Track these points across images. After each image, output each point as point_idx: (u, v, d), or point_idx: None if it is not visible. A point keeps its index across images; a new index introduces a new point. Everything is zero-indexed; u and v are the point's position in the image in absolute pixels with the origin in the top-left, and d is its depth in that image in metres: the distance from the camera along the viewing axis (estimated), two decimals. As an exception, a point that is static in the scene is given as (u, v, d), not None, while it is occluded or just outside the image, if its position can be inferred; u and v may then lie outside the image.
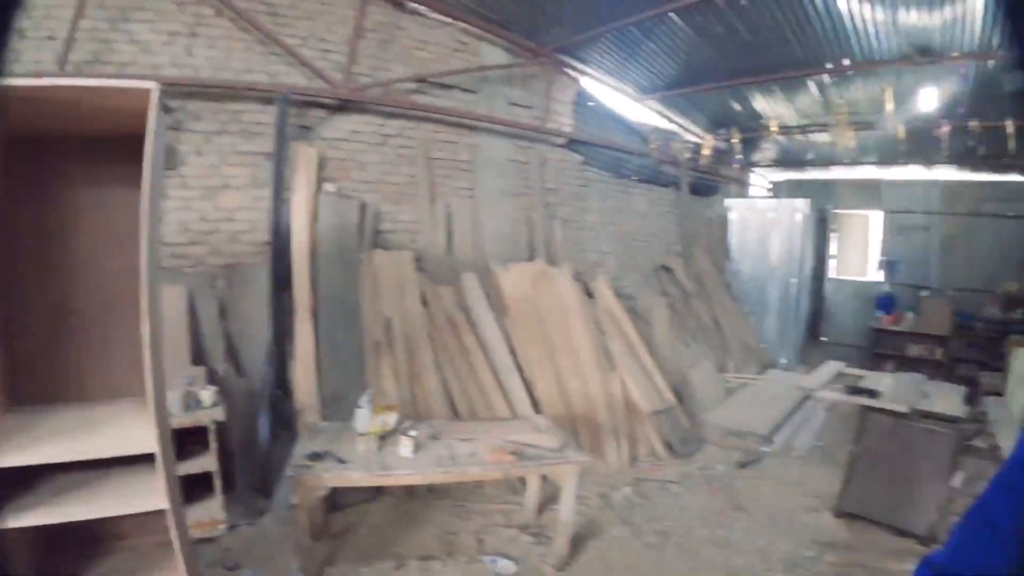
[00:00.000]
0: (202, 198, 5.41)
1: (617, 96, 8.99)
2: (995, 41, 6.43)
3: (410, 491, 5.15)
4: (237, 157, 5.55)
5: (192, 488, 4.12)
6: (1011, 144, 7.42)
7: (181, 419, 4.09)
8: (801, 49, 7.27)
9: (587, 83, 8.38)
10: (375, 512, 4.97)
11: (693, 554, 4.72)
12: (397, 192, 6.48)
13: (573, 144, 8.17)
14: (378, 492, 5.08)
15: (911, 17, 6.30)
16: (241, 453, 4.99)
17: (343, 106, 6.06)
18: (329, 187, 5.90)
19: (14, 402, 3.14)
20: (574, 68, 8.05)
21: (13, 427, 2.84)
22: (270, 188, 5.54)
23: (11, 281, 3.02)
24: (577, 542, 4.59)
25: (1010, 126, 7.23)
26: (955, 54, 6.79)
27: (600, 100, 8.63)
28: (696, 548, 4.80)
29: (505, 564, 4.32)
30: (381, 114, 6.30)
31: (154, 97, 2.43)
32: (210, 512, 4.39)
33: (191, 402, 4.29)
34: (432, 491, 5.23)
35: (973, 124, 7.53)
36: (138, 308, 3.08)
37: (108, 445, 2.64)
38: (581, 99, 8.28)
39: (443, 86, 6.73)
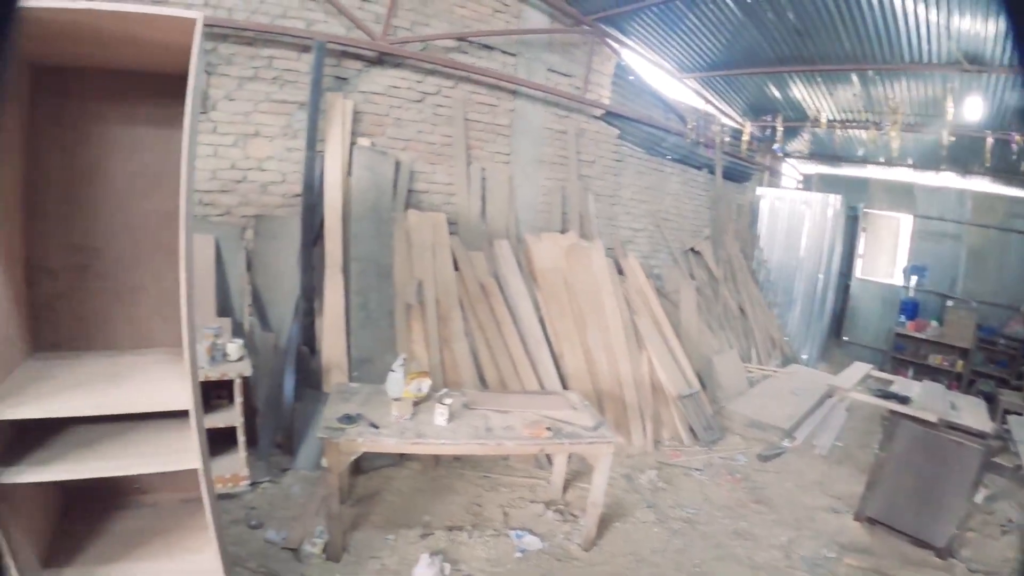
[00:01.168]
0: (233, 145, 5.26)
1: (656, 72, 8.78)
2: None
3: (435, 458, 5.08)
4: (270, 105, 5.39)
5: (215, 442, 3.99)
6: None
7: (208, 372, 3.99)
8: (850, 42, 7.04)
9: (627, 56, 8.17)
10: (400, 478, 4.91)
11: (717, 544, 4.67)
12: (432, 152, 6.34)
13: (610, 117, 8.00)
14: (402, 457, 5.02)
15: (964, 23, 6.08)
16: (264, 409, 4.91)
17: (381, 59, 5.89)
18: (364, 142, 5.74)
19: (36, 348, 3.01)
20: (615, 39, 7.85)
21: (35, 375, 2.72)
22: (302, 139, 5.39)
23: (35, 220, 2.88)
24: (603, 523, 4.53)
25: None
26: (1006, 65, 6.55)
27: (639, 74, 8.43)
28: (720, 538, 4.76)
29: (531, 540, 4.27)
30: (420, 70, 6.13)
31: (199, 27, 2.29)
32: (233, 468, 4.32)
33: (217, 354, 4.17)
34: (457, 460, 5.17)
35: (1018, 138, 7.25)
36: (168, 254, 2.93)
37: (139, 400, 2.52)
38: (620, 72, 8.09)
39: (483, 47, 6.56)
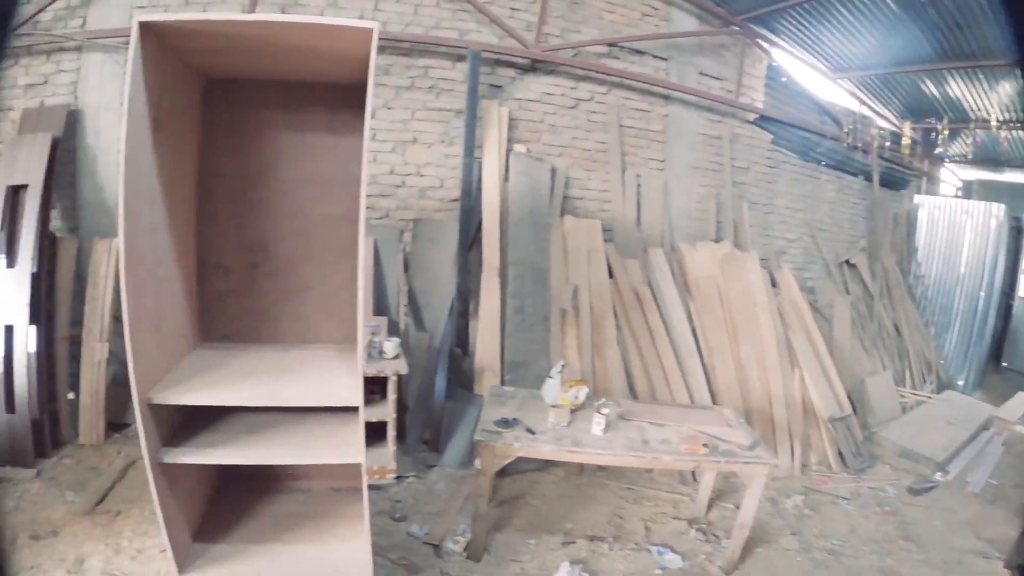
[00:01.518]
0: (391, 151, 5.48)
1: (808, 73, 8.24)
2: None
3: (580, 466, 4.95)
4: (426, 113, 5.55)
5: (365, 435, 4.16)
6: None
7: (365, 368, 3.99)
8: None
9: (779, 56, 7.73)
10: (544, 483, 4.84)
11: (862, 581, 4.28)
12: (587, 158, 6.24)
13: (763, 121, 7.58)
14: (547, 463, 4.92)
15: None
16: (415, 406, 5.01)
17: (533, 67, 5.88)
18: (519, 148, 5.76)
19: (206, 338, 3.21)
20: (765, 39, 7.44)
21: (204, 363, 2.89)
22: (459, 145, 5.49)
23: (213, 221, 3.05)
24: (746, 547, 4.24)
25: None
26: None
27: (792, 75, 7.96)
28: (865, 574, 4.36)
29: (672, 558, 4.07)
30: (572, 77, 6.06)
31: (375, 36, 2.30)
32: (381, 461, 4.43)
33: (374, 352, 4.35)
34: (601, 469, 5.00)
35: None
36: (335, 256, 3.16)
37: (308, 394, 2.63)
38: (772, 73, 7.66)
39: (634, 51, 6.39)
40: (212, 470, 3.36)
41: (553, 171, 5.90)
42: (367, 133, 2.33)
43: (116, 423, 5.19)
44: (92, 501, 4.29)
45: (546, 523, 4.29)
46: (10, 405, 4.64)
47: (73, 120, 5.28)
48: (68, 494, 4.43)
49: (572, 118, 6.10)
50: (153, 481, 2.51)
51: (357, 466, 2.67)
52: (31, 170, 4.83)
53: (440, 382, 4.99)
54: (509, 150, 5.68)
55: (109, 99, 5.25)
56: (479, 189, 5.45)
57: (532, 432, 3.70)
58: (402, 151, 5.47)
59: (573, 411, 3.97)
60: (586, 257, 5.71)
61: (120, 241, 2.22)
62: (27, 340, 4.66)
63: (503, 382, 4.96)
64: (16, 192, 4.84)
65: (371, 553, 2.87)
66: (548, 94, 5.97)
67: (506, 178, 5.56)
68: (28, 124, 5.18)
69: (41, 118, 5.16)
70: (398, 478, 4.55)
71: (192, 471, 2.87)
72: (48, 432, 4.86)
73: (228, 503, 3.29)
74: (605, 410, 3.83)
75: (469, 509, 4.21)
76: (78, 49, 5.27)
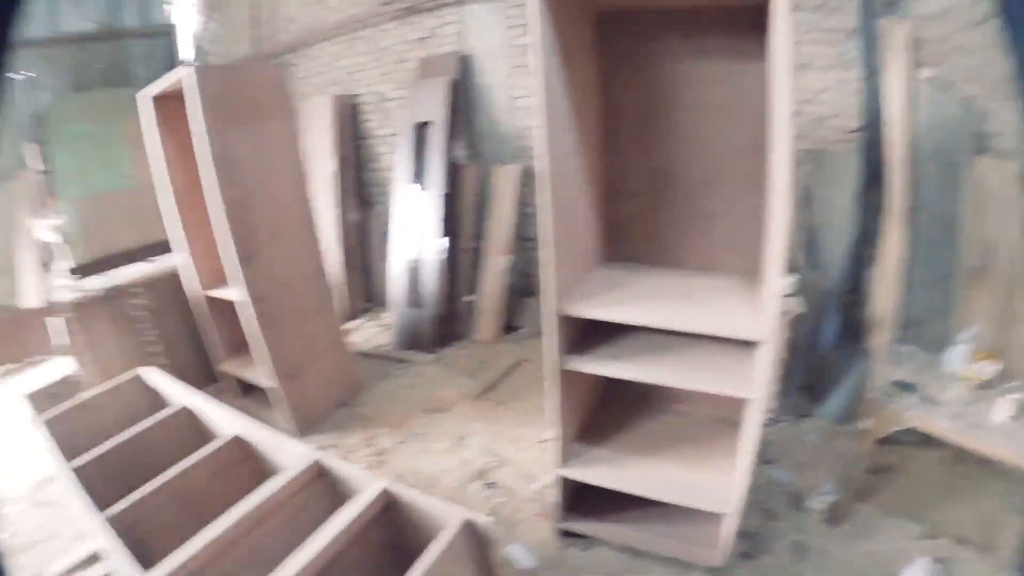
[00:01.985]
0: None
1: None
2: None
3: (962, 454, 4.24)
4: (817, 35, 4.97)
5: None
6: None
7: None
8: None
9: None
10: (919, 461, 4.22)
11: None
12: (1001, 87, 4.94)
13: None
14: (925, 439, 4.25)
15: None
16: (797, 348, 4.74)
17: None
18: (926, 73, 4.87)
19: (608, 258, 3.41)
20: None
21: (608, 282, 3.09)
22: (854, 70, 4.89)
23: (617, 148, 3.21)
24: None
25: None
26: None
27: None
28: None
29: None
30: None
31: None
32: None
33: None
34: (986, 463, 4.19)
35: None
36: (744, 184, 3.03)
37: (717, 322, 2.59)
38: None
39: None
40: (601, 382, 3.63)
41: (964, 103, 4.88)
42: (784, 58, 2.08)
43: (508, 326, 6.02)
44: (480, 389, 4.97)
45: (912, 507, 3.77)
46: (417, 302, 5.74)
47: (464, 64, 6.06)
48: (460, 380, 5.07)
49: (982, 36, 4.82)
50: (553, 382, 2.82)
51: (744, 400, 2.65)
52: (433, 109, 5.80)
53: (829, 328, 4.65)
54: (913, 76, 4.86)
55: (490, 44, 5.93)
56: (880, 120, 4.82)
57: (930, 402, 3.32)
58: (796, 76, 5.04)
59: (977, 388, 3.46)
60: (1004, 210, 4.73)
61: (545, 166, 2.46)
62: (435, 249, 5.64)
63: (896, 339, 4.46)
64: (422, 128, 5.85)
65: (745, 489, 2.82)
66: (952, 8, 4.84)
67: (911, 108, 4.81)
68: (426, 71, 6.13)
69: (436, 64, 6.07)
70: (771, 421, 4.40)
71: (585, 379, 3.14)
72: (447, 327, 5.88)
73: (609, 415, 3.56)
74: (1017, 395, 3.26)
75: (837, 469, 3.94)
76: (458, 3, 5.97)
